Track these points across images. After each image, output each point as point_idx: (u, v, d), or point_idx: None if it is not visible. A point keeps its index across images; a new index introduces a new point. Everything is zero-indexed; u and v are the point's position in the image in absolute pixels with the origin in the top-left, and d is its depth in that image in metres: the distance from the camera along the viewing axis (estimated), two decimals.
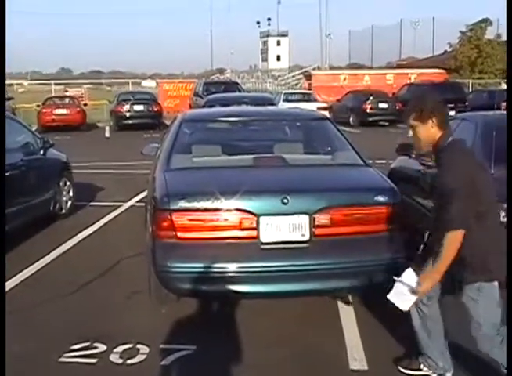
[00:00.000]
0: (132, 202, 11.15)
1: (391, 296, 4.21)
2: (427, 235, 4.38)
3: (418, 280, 4.05)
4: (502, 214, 5.59)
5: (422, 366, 4.61)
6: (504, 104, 27.94)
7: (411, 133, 4.15)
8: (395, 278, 4.16)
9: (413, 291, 4.07)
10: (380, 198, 5.37)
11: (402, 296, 4.15)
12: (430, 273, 4.02)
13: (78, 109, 30.37)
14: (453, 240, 3.87)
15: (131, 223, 9.21)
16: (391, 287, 4.19)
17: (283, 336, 5.46)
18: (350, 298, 6.14)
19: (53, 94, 37.55)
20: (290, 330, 5.58)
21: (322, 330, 5.58)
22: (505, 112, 12.12)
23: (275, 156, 6.43)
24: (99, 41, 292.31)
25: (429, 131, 4.08)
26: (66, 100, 31.95)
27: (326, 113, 28.41)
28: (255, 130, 7.97)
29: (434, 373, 4.57)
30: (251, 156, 6.29)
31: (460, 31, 51.93)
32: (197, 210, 5.24)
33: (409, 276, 4.13)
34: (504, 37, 52.84)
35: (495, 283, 4.10)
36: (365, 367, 4.85)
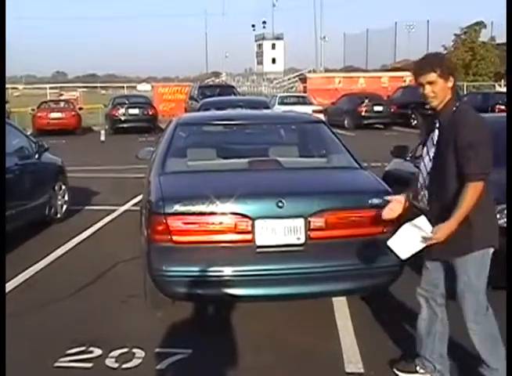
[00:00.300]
0: (128, 206, 11.14)
1: (391, 242, 4.14)
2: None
3: (432, 228, 3.99)
4: (497, 215, 5.62)
5: (418, 368, 4.61)
6: (498, 106, 28.12)
7: (427, 89, 4.10)
8: (407, 223, 4.06)
9: (425, 238, 3.99)
10: (375, 201, 5.38)
11: (405, 243, 4.06)
12: (446, 223, 3.95)
13: (73, 113, 30.33)
14: (475, 191, 3.94)
15: (126, 227, 9.20)
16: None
17: (278, 339, 5.46)
18: (346, 300, 6.15)
19: (48, 98, 37.50)
20: (285, 332, 5.58)
21: (318, 332, 5.59)
22: (499, 114, 12.19)
23: (270, 159, 6.44)
24: (94, 44, 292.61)
25: (446, 89, 4.10)
26: (61, 104, 31.97)
27: (321, 116, 28.53)
28: (250, 133, 7.98)
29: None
30: (246, 159, 6.31)
31: (455, 34, 52.16)
32: (192, 213, 5.24)
33: (421, 222, 4.03)
34: (498, 40, 53.12)
35: (492, 250, 4.19)
36: (361, 370, 4.85)
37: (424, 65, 4.12)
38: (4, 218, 7.40)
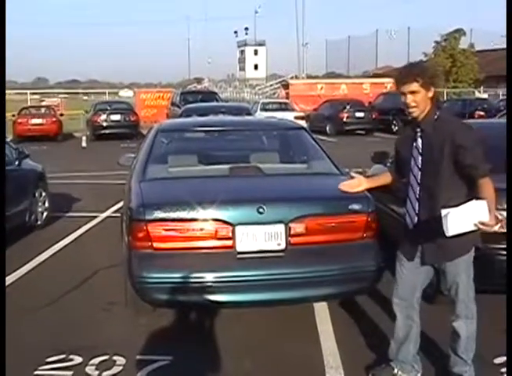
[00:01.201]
0: (109, 213, 11.10)
1: (449, 214, 3.87)
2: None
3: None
4: None
5: (396, 371, 4.65)
6: (478, 112, 28.38)
7: (409, 98, 4.15)
8: (473, 202, 3.90)
9: (482, 223, 3.85)
10: (355, 207, 5.41)
11: (460, 219, 3.89)
12: (492, 215, 3.91)
13: (54, 119, 30.16)
14: (491, 184, 4.04)
15: (107, 234, 9.17)
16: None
17: (259, 345, 5.47)
18: (327, 305, 6.16)
19: (29, 104, 37.28)
20: (266, 338, 5.59)
21: (299, 337, 5.60)
22: (478, 120, 12.30)
23: (250, 165, 6.45)
24: (75, 50, 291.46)
25: (427, 99, 4.17)
26: (42, 110, 31.78)
27: (303, 123, 28.61)
28: (231, 140, 7.99)
29: None
30: (227, 165, 6.31)
31: (435, 41, 52.45)
32: (173, 220, 5.24)
33: (483, 206, 3.86)
34: (477, 47, 53.60)
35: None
36: (342, 375, 4.87)
37: (407, 74, 4.17)
38: (4, 219, 7.32)
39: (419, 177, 4.24)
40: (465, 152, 4.06)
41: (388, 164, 4.71)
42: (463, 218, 3.94)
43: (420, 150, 4.24)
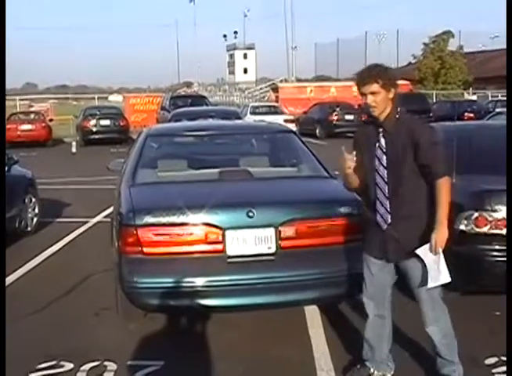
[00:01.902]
0: (99, 218, 11.09)
1: (436, 282, 4.26)
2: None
3: (430, 243, 4.15)
4: (464, 222, 5.70)
5: (372, 370, 4.69)
6: (467, 114, 28.50)
7: (370, 99, 4.22)
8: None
9: (435, 252, 4.15)
10: (345, 210, 5.43)
11: (435, 272, 4.21)
12: (438, 225, 4.12)
13: (44, 124, 30.09)
14: (448, 184, 4.16)
15: (98, 239, 9.15)
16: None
17: (250, 348, 5.48)
18: (318, 308, 6.18)
19: (18, 109, 37.16)
20: (257, 342, 5.60)
21: (290, 341, 5.60)
22: (467, 122, 12.36)
23: (240, 169, 6.46)
24: (64, 55, 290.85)
25: (387, 100, 4.25)
26: (32, 116, 31.65)
27: (293, 126, 28.64)
28: (221, 144, 7.99)
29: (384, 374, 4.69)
30: (217, 170, 6.32)
31: (424, 43, 52.70)
32: (163, 225, 5.25)
33: (424, 253, 4.21)
34: (466, 49, 53.85)
35: None
36: None
37: (368, 76, 4.24)
38: (4, 219, 7.29)
39: (385, 176, 4.29)
40: (423, 151, 4.16)
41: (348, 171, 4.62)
42: (434, 270, 4.22)
43: (384, 149, 4.29)
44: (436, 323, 4.41)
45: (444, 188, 4.14)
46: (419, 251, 4.25)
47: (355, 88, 4.46)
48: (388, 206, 4.29)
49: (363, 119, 27.92)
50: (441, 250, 4.18)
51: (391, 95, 4.25)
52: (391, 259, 4.38)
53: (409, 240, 4.27)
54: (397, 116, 4.30)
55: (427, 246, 4.22)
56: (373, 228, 4.42)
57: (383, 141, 4.29)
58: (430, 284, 4.30)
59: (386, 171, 4.28)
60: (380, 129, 4.31)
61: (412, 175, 4.23)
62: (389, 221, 4.30)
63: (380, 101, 4.22)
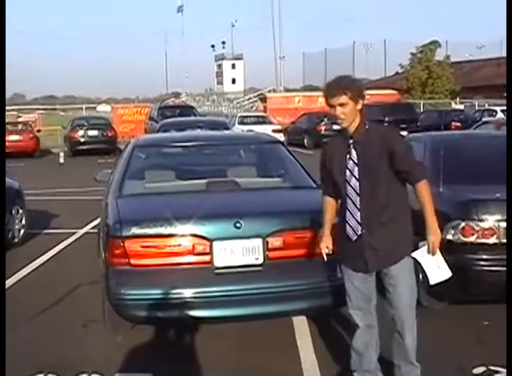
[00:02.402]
0: (87, 229, 11.05)
1: (433, 281, 4.38)
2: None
3: (424, 244, 4.25)
4: (451, 231, 5.72)
5: None
6: (454, 123, 28.62)
7: (338, 111, 4.24)
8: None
9: (433, 253, 4.24)
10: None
11: (436, 270, 4.32)
12: (428, 225, 4.20)
13: (31, 135, 29.97)
14: (428, 187, 4.24)
15: (86, 250, 9.10)
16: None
17: (238, 360, 5.46)
18: (306, 319, 6.17)
19: (6, 120, 36.99)
20: (245, 353, 5.58)
21: (279, 352, 5.59)
22: (453, 132, 12.42)
23: (228, 180, 6.46)
24: (52, 65, 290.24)
25: (355, 111, 4.27)
26: (19, 126, 31.49)
27: (281, 136, 28.64)
28: (209, 154, 7.98)
29: None
30: (204, 180, 6.31)
31: (411, 53, 52.96)
32: (150, 236, 5.24)
33: (421, 255, 4.30)
34: (453, 59, 54.14)
35: None
36: None
37: (336, 87, 4.25)
38: (4, 219, 7.23)
39: (357, 187, 4.30)
40: (399, 159, 4.21)
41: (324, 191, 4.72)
42: (434, 267, 4.31)
43: (356, 161, 4.31)
44: (412, 330, 4.44)
45: (426, 190, 4.23)
46: (415, 255, 4.31)
47: (321, 99, 4.48)
48: (359, 217, 4.30)
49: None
50: (437, 249, 4.25)
51: (359, 107, 4.28)
52: (371, 269, 4.38)
53: (387, 247, 4.29)
54: (366, 127, 4.33)
55: (422, 249, 4.28)
56: (346, 240, 4.42)
57: (354, 152, 4.31)
58: (433, 281, 4.38)
59: (358, 183, 4.29)
60: (351, 141, 4.32)
61: (386, 183, 4.27)
62: (359, 232, 4.31)
63: (348, 112, 4.23)
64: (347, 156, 4.33)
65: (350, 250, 4.42)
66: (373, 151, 4.25)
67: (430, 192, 4.26)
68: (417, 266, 4.42)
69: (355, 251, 4.38)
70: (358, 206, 4.30)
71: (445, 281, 4.42)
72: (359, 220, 4.30)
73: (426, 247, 4.27)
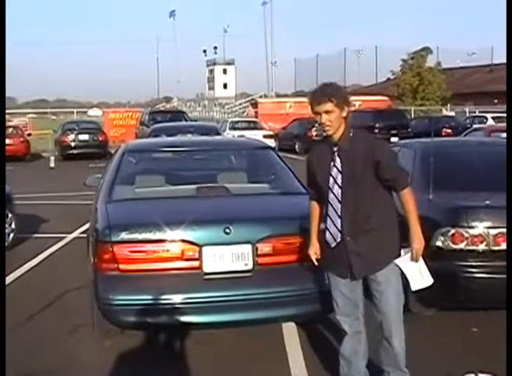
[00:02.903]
0: (77, 233, 11.00)
1: (414, 288, 4.40)
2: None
3: (407, 251, 4.29)
4: (441, 238, 5.72)
5: None
6: (445, 130, 28.69)
7: (324, 118, 4.25)
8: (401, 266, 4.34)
9: (416, 260, 4.28)
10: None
11: (418, 277, 4.34)
12: (412, 232, 4.24)
13: (22, 139, 29.91)
14: (412, 194, 4.30)
15: (75, 255, 9.07)
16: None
17: (227, 366, 5.45)
18: (295, 325, 6.16)
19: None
20: (234, 360, 5.57)
21: (268, 358, 5.58)
22: (443, 139, 12.45)
23: (217, 185, 6.45)
24: (44, 69, 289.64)
25: (340, 119, 4.28)
26: (10, 130, 31.35)
27: (272, 141, 28.66)
28: (199, 160, 7.97)
29: None
30: (194, 186, 6.31)
31: (402, 59, 53.12)
32: (139, 241, 5.22)
33: (403, 261, 4.32)
34: (444, 65, 54.35)
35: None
36: None
37: (322, 95, 4.26)
38: (4, 219, 7.18)
39: (340, 195, 4.31)
40: (384, 167, 4.23)
41: (311, 197, 4.77)
42: (416, 275, 4.33)
43: (340, 168, 4.32)
44: (400, 335, 4.44)
45: (410, 197, 4.27)
46: (398, 261, 4.32)
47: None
48: (339, 224, 4.31)
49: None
50: (420, 257, 4.28)
51: (344, 114, 4.29)
52: (357, 275, 4.37)
53: (373, 253, 4.30)
54: (351, 134, 4.33)
55: (405, 256, 4.30)
56: (326, 246, 4.44)
57: (338, 160, 4.32)
58: (414, 288, 4.39)
59: (340, 190, 4.30)
60: (335, 148, 4.33)
61: (370, 191, 4.28)
62: (338, 239, 4.32)
63: (334, 120, 4.24)
64: (332, 163, 4.34)
65: (331, 256, 4.43)
66: (357, 159, 4.26)
67: (414, 199, 4.29)
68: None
69: (337, 257, 4.38)
70: (339, 213, 4.31)
71: (427, 288, 4.43)
72: (339, 227, 4.31)
73: (409, 254, 4.29)
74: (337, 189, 4.31)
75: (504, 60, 47.66)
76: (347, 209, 4.28)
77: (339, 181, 4.30)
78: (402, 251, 4.34)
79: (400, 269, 4.34)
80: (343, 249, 4.32)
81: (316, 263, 4.65)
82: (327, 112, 4.23)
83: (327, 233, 4.38)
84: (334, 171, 4.32)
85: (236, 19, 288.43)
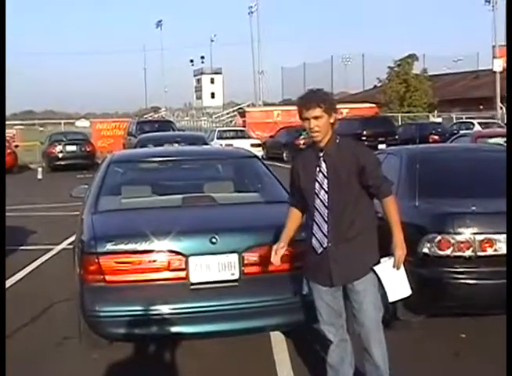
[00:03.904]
0: (64, 245, 10.94)
1: (391, 298, 4.37)
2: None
3: (388, 258, 4.29)
4: (428, 244, 5.73)
5: None
6: (432, 136, 28.79)
7: (313, 123, 4.26)
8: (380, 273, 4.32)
9: (398, 268, 4.27)
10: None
11: (396, 286, 4.32)
12: (395, 240, 4.24)
13: (9, 151, 29.66)
14: (395, 202, 4.33)
15: (62, 267, 9.00)
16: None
17: (216, 374, 5.45)
18: (283, 334, 6.14)
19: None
20: (222, 369, 5.56)
21: (256, 367, 5.57)
22: (429, 145, 12.49)
23: (203, 195, 6.44)
24: (30, 80, 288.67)
25: (328, 124, 4.30)
26: None
27: (260, 150, 28.66)
28: (185, 169, 7.96)
29: None
30: (180, 196, 6.30)
31: (388, 67, 53.36)
32: (125, 252, 5.20)
33: (383, 269, 4.30)
34: (430, 72, 54.67)
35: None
36: None
37: (310, 101, 4.29)
38: (4, 218, 7.13)
39: (326, 200, 4.31)
40: (369, 173, 4.26)
41: (290, 202, 4.78)
42: (394, 282, 4.31)
43: (326, 173, 4.32)
44: (381, 345, 4.42)
45: (394, 205, 4.30)
46: (377, 269, 4.30)
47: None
48: (326, 230, 4.31)
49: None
50: (402, 264, 4.28)
51: (332, 120, 4.31)
52: (335, 283, 4.37)
53: (352, 261, 4.30)
54: (337, 140, 4.36)
55: (385, 264, 4.29)
56: (312, 252, 4.42)
57: (324, 165, 4.33)
58: (392, 299, 4.37)
59: (327, 196, 4.30)
60: (321, 153, 4.34)
61: (354, 197, 4.29)
62: (325, 245, 4.31)
63: (322, 125, 4.26)
64: (317, 168, 4.34)
65: (315, 263, 4.42)
66: (342, 164, 4.28)
67: (397, 207, 4.30)
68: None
69: (319, 264, 4.37)
70: (325, 219, 4.31)
71: (407, 298, 4.42)
72: (326, 233, 4.30)
73: (389, 262, 4.28)
74: (323, 195, 4.31)
75: (489, 66, 48.10)
76: (333, 215, 4.29)
77: (325, 186, 4.31)
78: (382, 259, 4.33)
79: (378, 277, 4.32)
80: (324, 255, 4.32)
81: (273, 257, 4.61)
82: (316, 117, 4.25)
83: (313, 239, 4.37)
84: (320, 177, 4.33)
85: (222, 29, 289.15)
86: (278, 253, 4.59)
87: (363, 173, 4.24)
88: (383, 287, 4.33)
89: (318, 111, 4.24)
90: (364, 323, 4.37)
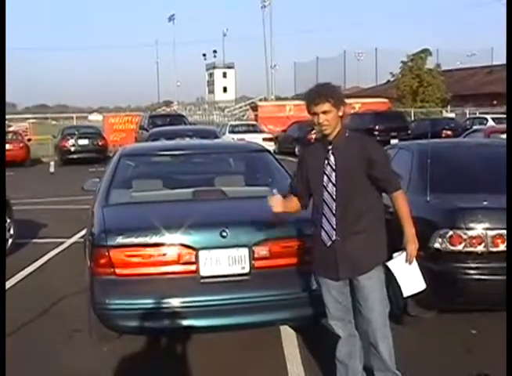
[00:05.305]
0: (75, 238, 10.97)
1: (406, 293, 4.38)
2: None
3: (400, 253, 4.28)
4: (439, 240, 5.70)
5: None
6: (445, 131, 28.66)
7: (322, 118, 4.24)
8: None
9: (410, 262, 4.27)
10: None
11: (410, 281, 4.31)
12: (407, 234, 4.25)
13: (22, 144, 29.89)
14: (405, 196, 4.34)
15: (73, 260, 9.02)
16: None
17: (224, 371, 5.44)
18: (293, 329, 6.13)
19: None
20: (232, 363, 5.56)
21: (266, 362, 5.56)
22: (442, 140, 12.42)
23: (214, 189, 6.43)
24: (44, 75, 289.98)
25: (337, 118, 4.29)
26: (9, 135, 31.38)
27: (272, 144, 28.61)
28: (196, 163, 7.96)
29: None
30: (191, 189, 6.29)
31: (402, 61, 53.09)
32: (135, 245, 5.20)
33: (395, 264, 4.29)
34: (444, 67, 54.37)
35: None
36: None
37: (319, 95, 4.27)
38: (4, 219, 7.17)
39: (334, 193, 4.30)
40: (378, 167, 4.25)
41: (292, 190, 4.77)
42: (406, 274, 4.29)
43: (334, 166, 4.31)
44: (387, 340, 4.41)
45: (403, 199, 4.29)
46: (390, 265, 4.29)
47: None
48: (334, 223, 4.29)
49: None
50: (414, 258, 4.27)
51: (340, 113, 4.30)
52: (342, 276, 4.35)
53: (359, 255, 4.28)
54: (346, 134, 4.35)
55: (397, 258, 4.28)
56: (321, 246, 4.40)
57: (332, 158, 4.31)
58: (406, 293, 4.36)
59: (335, 188, 4.29)
60: (330, 147, 4.33)
61: (362, 191, 4.28)
62: (334, 238, 4.30)
63: (331, 119, 4.24)
64: (326, 161, 4.33)
65: (323, 256, 4.40)
66: (351, 158, 4.27)
67: (407, 201, 4.30)
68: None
69: (327, 257, 4.35)
70: (333, 211, 4.29)
71: (421, 292, 4.40)
72: (334, 226, 4.29)
73: (401, 257, 4.26)
74: (331, 187, 4.30)
75: (504, 61, 47.79)
76: (341, 208, 4.27)
77: (333, 179, 4.30)
78: (394, 254, 4.31)
79: (392, 273, 4.30)
80: (332, 249, 4.30)
81: (272, 203, 4.60)
82: (325, 112, 4.23)
83: (322, 232, 4.34)
84: (328, 170, 4.31)
85: (235, 23, 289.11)
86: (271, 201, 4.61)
87: (372, 167, 4.23)
88: (397, 283, 4.31)
89: (326, 106, 4.23)
90: (370, 319, 4.35)
